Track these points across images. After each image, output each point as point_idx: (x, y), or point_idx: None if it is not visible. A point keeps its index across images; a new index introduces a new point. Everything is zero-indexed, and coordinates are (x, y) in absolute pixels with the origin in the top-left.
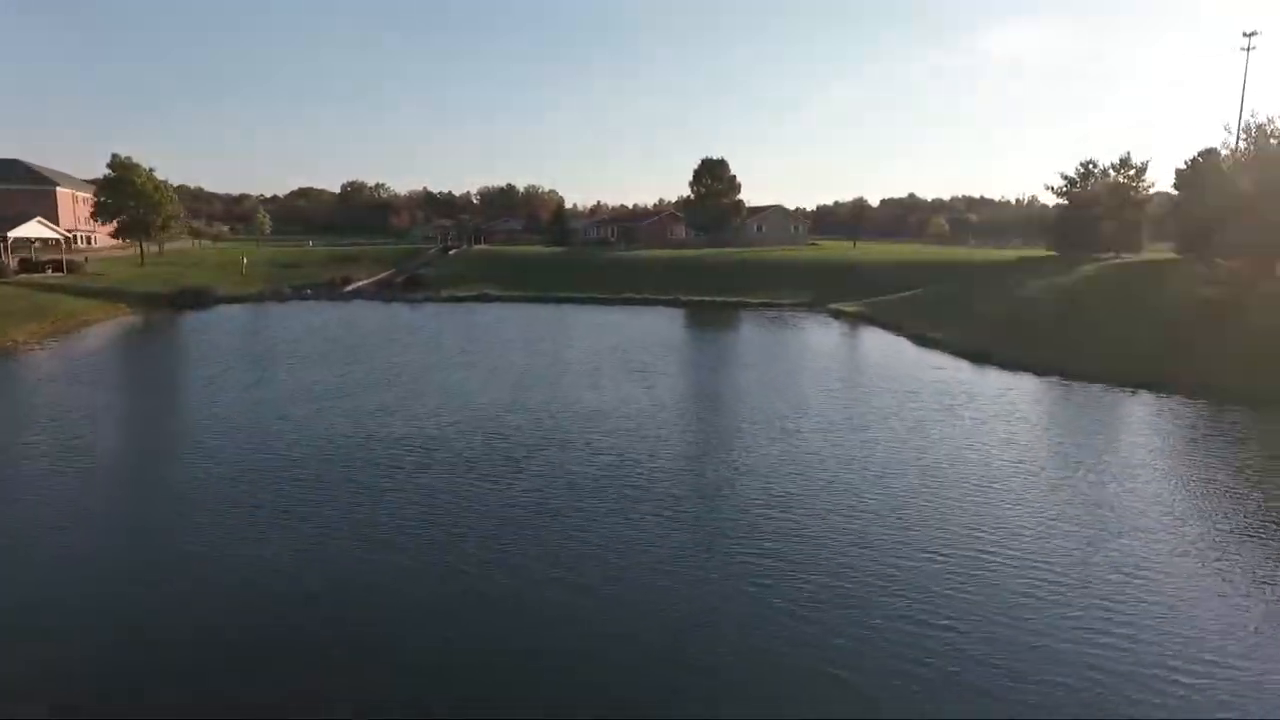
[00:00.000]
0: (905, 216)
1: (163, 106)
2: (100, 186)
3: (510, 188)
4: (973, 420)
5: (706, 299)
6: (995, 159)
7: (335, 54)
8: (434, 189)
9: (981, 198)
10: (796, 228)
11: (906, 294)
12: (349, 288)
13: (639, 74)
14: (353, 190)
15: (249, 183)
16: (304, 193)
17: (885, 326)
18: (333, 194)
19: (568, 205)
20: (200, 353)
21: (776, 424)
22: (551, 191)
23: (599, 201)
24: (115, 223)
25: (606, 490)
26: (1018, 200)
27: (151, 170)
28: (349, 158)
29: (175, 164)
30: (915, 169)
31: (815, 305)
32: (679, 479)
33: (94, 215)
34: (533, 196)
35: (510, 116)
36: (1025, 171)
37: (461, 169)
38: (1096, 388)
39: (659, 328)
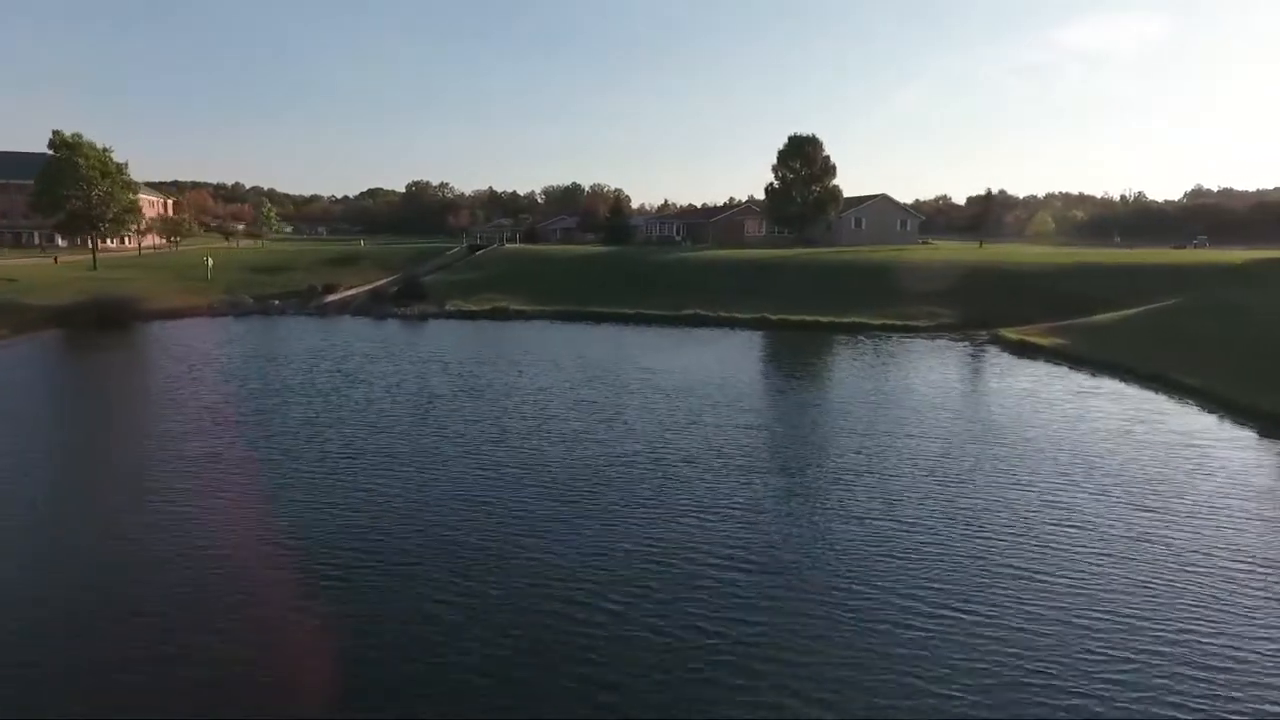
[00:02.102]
0: (1001, 215)
1: (236, 108)
2: (39, 174)
3: (575, 186)
4: None
5: (805, 318)
6: (1082, 155)
7: (407, 57)
8: (499, 189)
9: (1080, 194)
10: (905, 223)
11: (1122, 316)
12: (331, 298)
13: (708, 74)
14: (417, 190)
15: (321, 184)
16: (372, 193)
17: (1137, 380)
18: (399, 194)
19: (634, 205)
20: None
21: None
22: (617, 190)
23: (665, 200)
24: (61, 217)
25: None
26: (1122, 197)
27: (107, 151)
28: (418, 159)
29: (248, 165)
30: (997, 166)
31: (966, 329)
32: None
33: (33, 209)
34: (597, 195)
35: (580, 118)
36: (1118, 168)
37: (532, 170)
38: None
39: (741, 375)
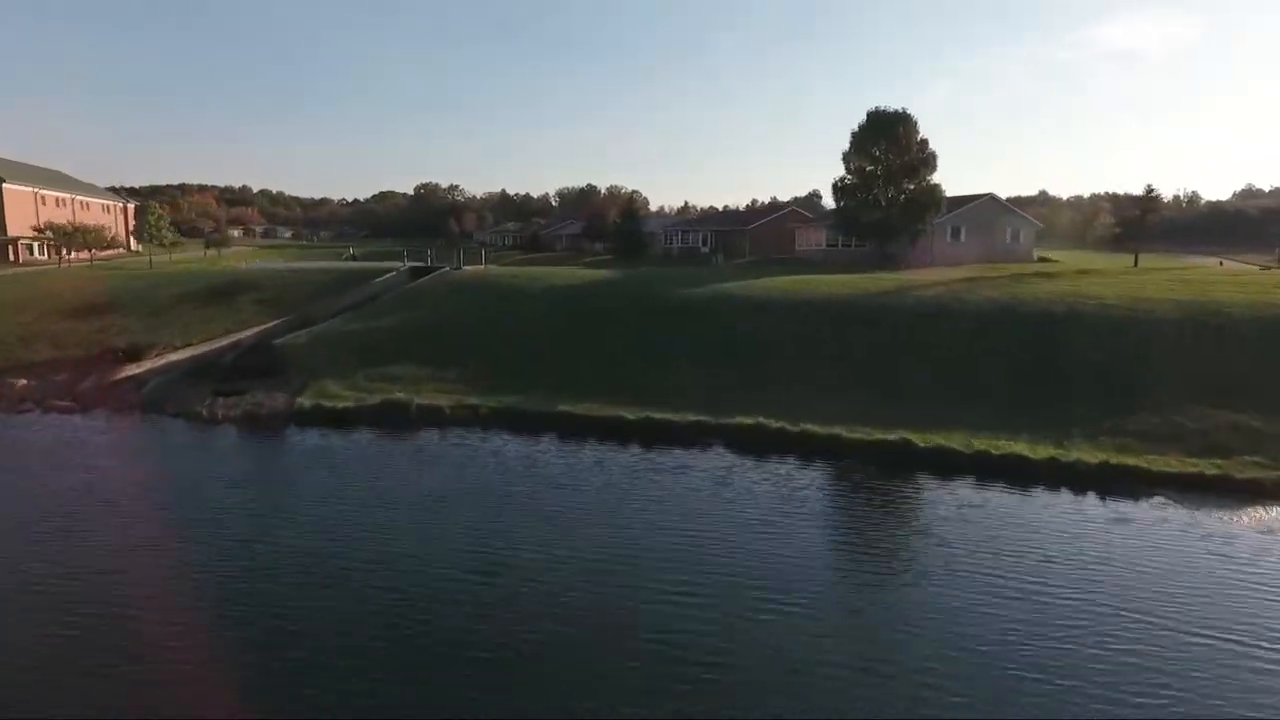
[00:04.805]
0: (1052, 218)
1: (244, 110)
2: None
3: (590, 188)
4: None
5: (992, 446)
6: (1115, 156)
7: (418, 58)
8: (512, 191)
9: (1126, 195)
10: (1016, 233)
11: None
12: (130, 371)
13: (724, 72)
14: (426, 192)
15: (333, 187)
16: (381, 196)
17: None
18: (408, 197)
19: (652, 207)
20: None
21: None
22: (633, 191)
23: (686, 203)
24: None
25: None
26: (1175, 197)
27: None
28: (433, 161)
29: (259, 169)
30: (1027, 167)
31: None
32: None
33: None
34: (610, 197)
35: (593, 117)
36: (1147, 169)
37: (548, 172)
38: None
39: None
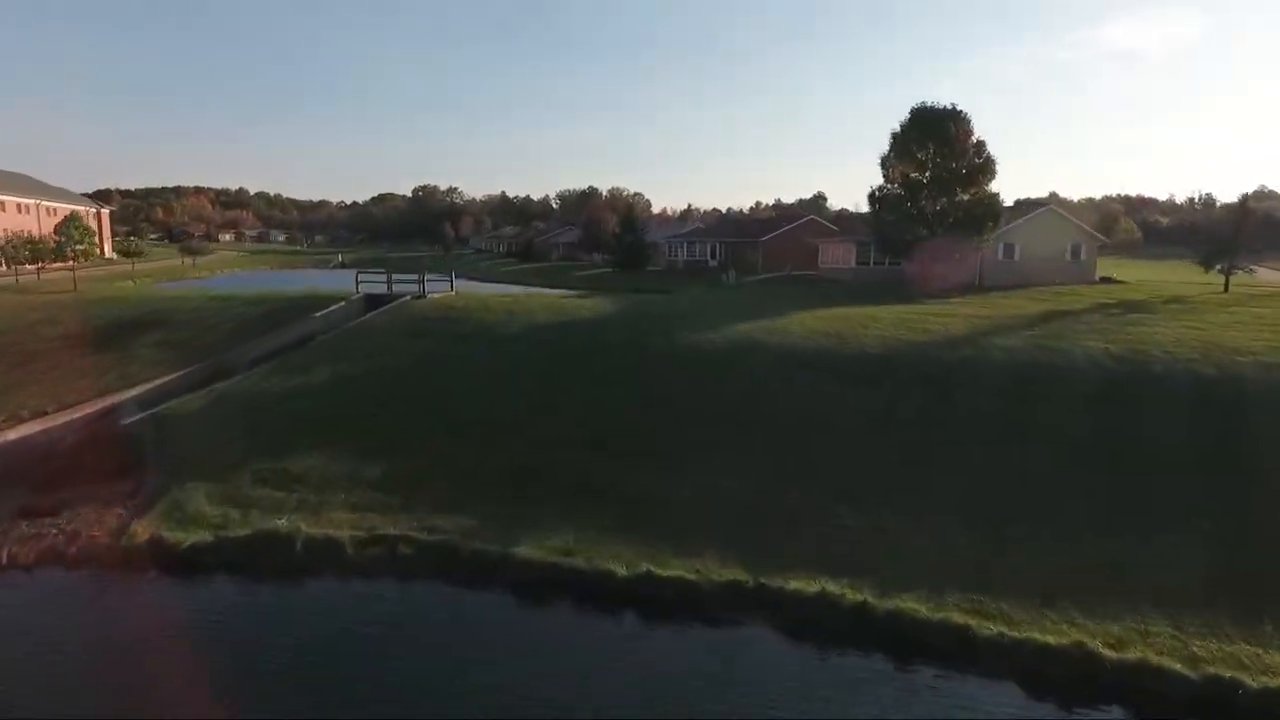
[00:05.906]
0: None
1: (243, 112)
2: None
3: (591, 190)
4: None
5: (1256, 681)
6: (1117, 157)
7: (419, 58)
8: (513, 194)
9: (1139, 197)
10: (1078, 249)
11: None
12: None
13: (723, 76)
14: (424, 195)
15: (333, 189)
16: (380, 198)
17: None
18: (407, 199)
19: (654, 209)
20: None
21: None
22: (635, 195)
23: (689, 205)
24: None
25: None
26: (1190, 201)
27: None
28: (433, 163)
29: (258, 170)
30: (1030, 168)
31: None
32: None
33: None
34: (609, 201)
35: (594, 118)
36: (1159, 169)
37: (550, 174)
38: None
39: None
